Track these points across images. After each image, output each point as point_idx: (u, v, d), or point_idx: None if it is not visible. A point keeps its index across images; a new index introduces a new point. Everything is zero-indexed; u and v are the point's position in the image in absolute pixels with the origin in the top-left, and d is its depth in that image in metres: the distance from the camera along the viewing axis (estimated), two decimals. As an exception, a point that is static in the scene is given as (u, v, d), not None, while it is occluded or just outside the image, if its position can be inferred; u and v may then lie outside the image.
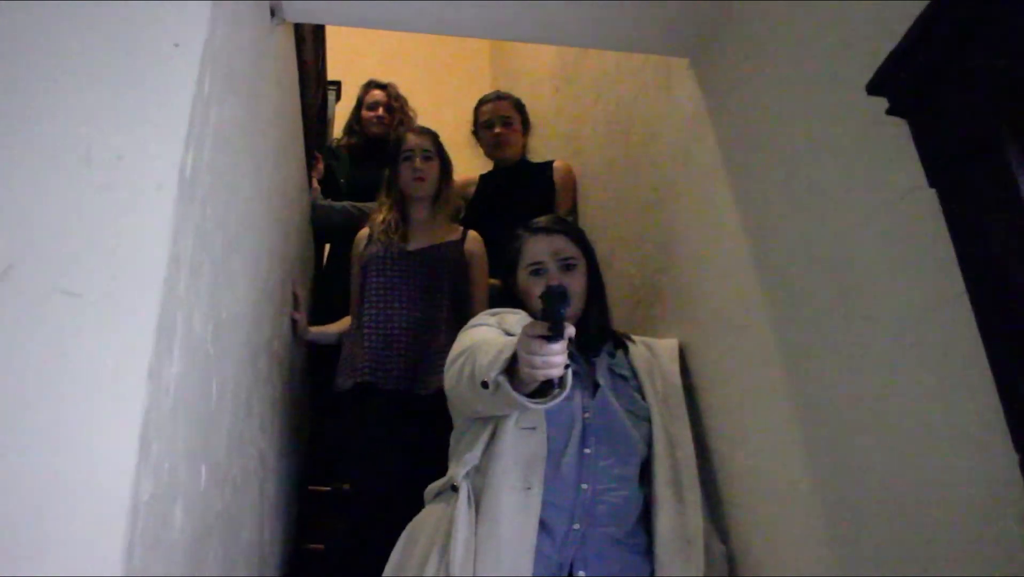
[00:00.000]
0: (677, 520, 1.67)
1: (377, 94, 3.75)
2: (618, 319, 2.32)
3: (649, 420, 1.79)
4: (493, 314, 1.84)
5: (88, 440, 0.98)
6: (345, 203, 3.30)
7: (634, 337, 2.01)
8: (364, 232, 2.73)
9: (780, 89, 1.66)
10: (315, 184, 3.37)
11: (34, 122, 1.14)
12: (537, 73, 4.03)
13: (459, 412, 1.76)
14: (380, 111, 3.70)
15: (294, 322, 2.56)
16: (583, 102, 3.24)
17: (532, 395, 1.43)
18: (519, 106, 3.41)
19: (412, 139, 2.77)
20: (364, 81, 3.86)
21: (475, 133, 3.44)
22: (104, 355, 1.03)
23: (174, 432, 1.17)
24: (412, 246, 2.61)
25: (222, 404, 1.52)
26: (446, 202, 2.76)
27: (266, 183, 2.04)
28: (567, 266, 1.90)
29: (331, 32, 3.45)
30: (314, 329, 2.67)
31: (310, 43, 2.90)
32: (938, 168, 1.16)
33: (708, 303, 1.95)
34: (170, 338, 1.14)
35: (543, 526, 1.59)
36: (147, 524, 1.03)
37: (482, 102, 3.43)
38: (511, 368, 1.41)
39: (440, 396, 2.19)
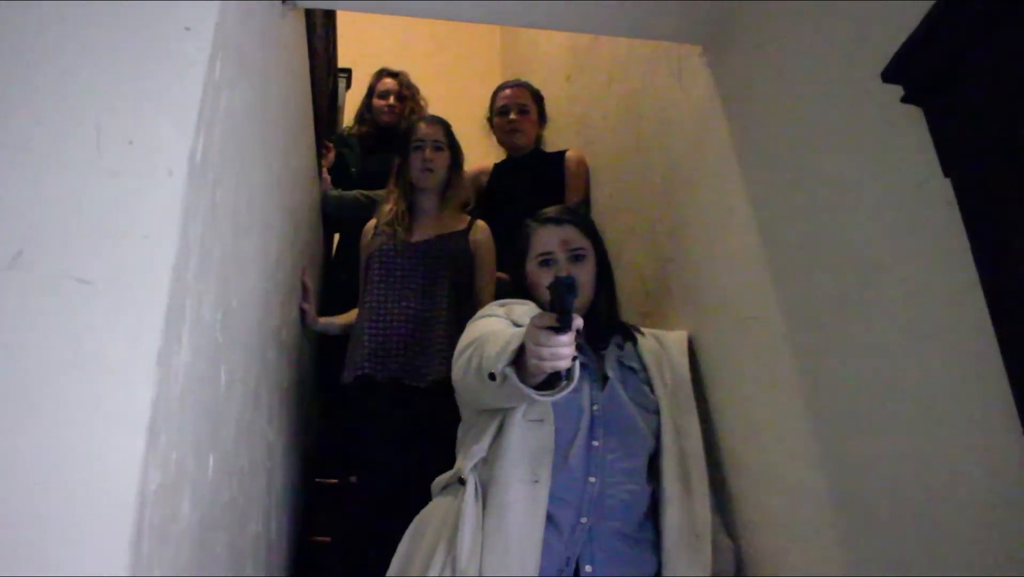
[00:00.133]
0: (685, 514, 1.66)
1: (388, 82, 3.73)
2: (627, 310, 2.31)
3: (658, 413, 1.79)
4: (501, 305, 1.84)
5: (96, 429, 0.98)
6: (355, 192, 3.29)
7: (643, 329, 2.00)
8: (372, 223, 2.72)
9: (793, 78, 1.64)
10: (325, 173, 3.36)
11: (44, 107, 1.13)
12: (549, 61, 4.01)
13: (467, 404, 1.76)
14: (391, 100, 3.68)
15: (303, 312, 2.56)
16: (595, 90, 3.22)
17: (540, 387, 1.42)
18: (537, 96, 3.39)
19: (423, 128, 2.75)
20: (375, 69, 3.84)
21: (490, 120, 3.41)
22: (113, 342, 1.03)
23: (182, 422, 1.17)
24: (417, 237, 2.60)
25: (230, 394, 1.51)
26: (455, 192, 2.74)
27: (276, 170, 2.03)
28: (576, 257, 1.89)
29: (342, 19, 3.44)
30: (323, 319, 2.66)
31: (321, 30, 2.89)
32: (953, 157, 1.14)
33: (718, 295, 1.94)
34: (179, 326, 1.13)
35: (550, 520, 1.58)
36: (154, 514, 1.03)
37: (500, 89, 3.41)
38: (519, 360, 1.40)
39: (439, 387, 2.19)
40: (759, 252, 1.73)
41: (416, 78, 3.84)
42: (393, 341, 2.43)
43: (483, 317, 1.78)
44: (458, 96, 4.46)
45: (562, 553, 1.58)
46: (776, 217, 1.69)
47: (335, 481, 2.92)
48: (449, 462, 1.76)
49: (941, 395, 1.19)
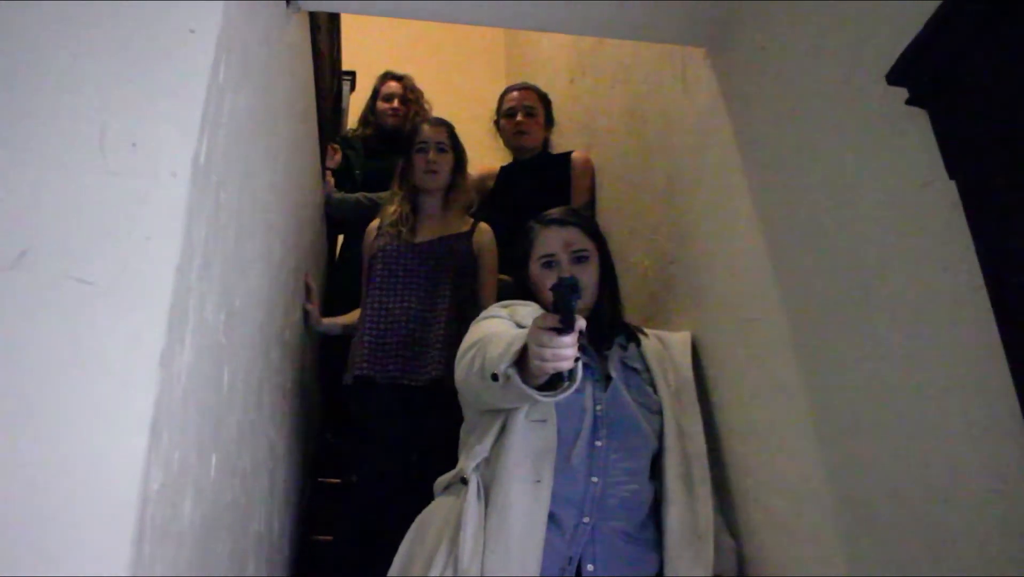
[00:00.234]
0: (687, 514, 1.66)
1: (393, 86, 3.74)
2: (630, 311, 2.31)
3: (661, 413, 1.79)
4: (505, 306, 1.84)
5: (98, 428, 0.98)
6: (358, 194, 3.29)
7: (646, 330, 2.00)
8: (375, 224, 2.72)
9: (797, 80, 1.64)
10: (328, 176, 3.37)
11: (49, 108, 1.14)
12: (553, 64, 4.02)
13: (470, 404, 1.76)
14: (395, 103, 3.69)
15: (306, 313, 2.56)
16: (598, 93, 3.22)
17: (542, 388, 1.42)
18: (544, 99, 3.37)
19: (427, 130, 2.75)
20: (379, 72, 3.84)
21: (496, 122, 3.39)
22: (116, 343, 1.03)
23: (185, 422, 1.17)
24: (420, 239, 2.60)
25: (233, 394, 1.51)
26: (459, 194, 2.74)
27: (280, 172, 2.04)
28: (579, 258, 1.89)
29: (346, 22, 3.45)
30: (326, 320, 2.66)
31: (325, 32, 2.90)
32: (958, 159, 1.14)
33: (721, 296, 1.94)
34: (182, 327, 1.14)
35: (553, 519, 1.58)
36: (156, 514, 1.03)
37: (508, 91, 3.39)
38: (522, 360, 1.40)
39: (437, 387, 2.20)
40: (762, 254, 1.73)
41: (420, 80, 3.85)
42: (393, 341, 2.44)
43: (486, 318, 1.78)
44: (462, 98, 4.47)
45: (564, 553, 1.58)
46: (779, 219, 1.69)
47: (337, 481, 2.92)
48: (450, 462, 1.76)
49: (944, 397, 1.18)
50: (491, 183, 3.32)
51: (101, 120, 1.14)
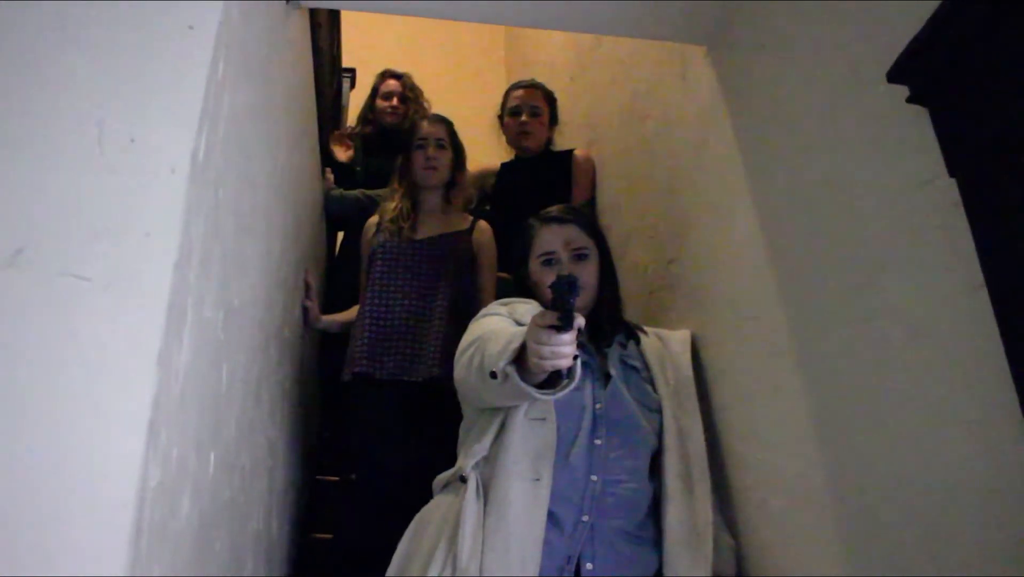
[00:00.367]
0: (686, 513, 1.66)
1: (392, 84, 3.74)
2: (630, 309, 2.31)
3: (660, 412, 1.78)
4: (504, 304, 1.83)
5: (96, 426, 0.98)
6: (357, 192, 3.29)
7: (646, 328, 1.99)
8: (373, 220, 2.72)
9: (797, 78, 1.64)
10: (328, 173, 3.36)
11: (46, 104, 1.13)
12: (553, 61, 4.01)
13: (469, 402, 1.75)
14: (394, 101, 3.69)
15: (305, 310, 2.56)
16: (599, 90, 3.21)
17: (541, 386, 1.42)
18: (550, 97, 3.34)
19: (426, 127, 2.75)
20: (379, 69, 3.84)
21: (500, 119, 3.37)
22: (113, 340, 1.02)
23: (183, 419, 1.17)
24: (420, 235, 2.60)
25: (232, 391, 1.51)
26: (458, 191, 2.74)
27: (280, 169, 2.03)
28: (579, 256, 1.88)
29: (346, 19, 3.44)
30: (325, 317, 2.66)
31: (325, 29, 2.89)
32: (959, 157, 1.14)
33: (721, 294, 1.94)
34: (180, 324, 1.13)
35: (552, 518, 1.58)
36: (154, 511, 1.02)
37: (513, 88, 3.36)
38: (520, 358, 1.40)
39: (435, 384, 2.19)
40: (762, 252, 1.73)
41: (420, 78, 3.84)
42: (392, 337, 2.43)
43: (485, 316, 1.78)
44: (462, 96, 4.46)
45: (563, 551, 1.58)
46: (779, 217, 1.69)
47: (336, 479, 2.92)
48: (449, 459, 1.76)
49: (943, 395, 1.18)
50: (491, 180, 3.32)
51: (99, 116, 1.14)
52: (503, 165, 3.37)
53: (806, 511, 1.52)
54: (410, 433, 2.33)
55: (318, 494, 2.88)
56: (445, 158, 2.71)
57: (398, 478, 2.22)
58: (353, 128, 3.81)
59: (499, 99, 3.40)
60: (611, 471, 1.66)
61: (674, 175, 2.29)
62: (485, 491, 1.61)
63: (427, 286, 2.50)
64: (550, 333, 1.30)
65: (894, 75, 1.24)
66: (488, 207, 3.11)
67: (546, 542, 1.55)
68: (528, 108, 3.26)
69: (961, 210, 1.13)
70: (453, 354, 1.74)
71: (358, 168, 3.54)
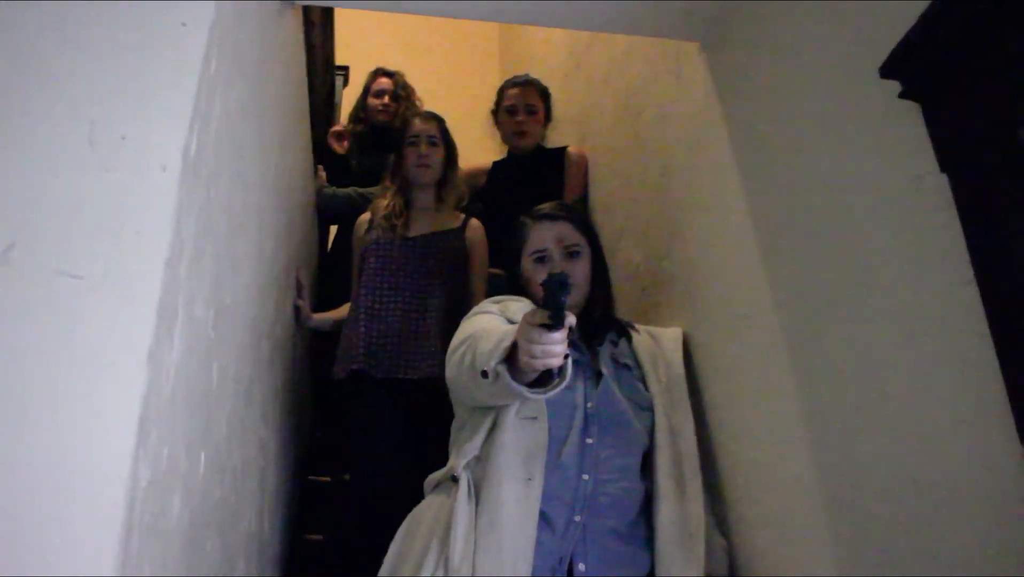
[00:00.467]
0: (678, 512, 1.66)
1: (384, 82, 3.74)
2: (622, 307, 2.31)
3: (652, 410, 1.78)
4: (496, 302, 1.83)
5: (87, 424, 0.97)
6: (349, 189, 3.29)
7: (638, 326, 1.99)
8: (365, 217, 2.71)
9: (791, 75, 1.64)
10: (320, 170, 3.36)
11: (38, 102, 1.13)
12: (547, 59, 4.01)
13: (460, 401, 1.75)
14: (386, 99, 3.69)
15: (297, 309, 2.55)
16: (593, 87, 3.21)
17: (532, 384, 1.42)
18: (545, 94, 3.32)
19: (418, 124, 2.75)
20: (372, 67, 3.84)
21: (495, 115, 3.35)
22: (104, 338, 1.02)
23: (174, 418, 1.16)
24: (413, 232, 2.60)
25: (223, 390, 1.51)
26: (451, 189, 2.74)
27: (272, 168, 2.03)
28: (571, 254, 1.89)
29: (340, 17, 3.43)
30: (316, 316, 2.66)
31: (318, 27, 2.88)
32: (951, 153, 1.14)
33: (714, 292, 1.94)
34: (171, 322, 1.13)
35: (544, 518, 1.58)
36: (145, 511, 1.02)
37: (508, 85, 3.33)
38: (511, 357, 1.40)
39: (431, 383, 2.19)
40: (755, 250, 1.73)
41: (414, 76, 3.84)
42: (387, 335, 2.43)
43: (477, 314, 1.77)
44: (456, 94, 4.46)
45: (555, 552, 1.57)
46: (772, 214, 1.69)
47: (328, 479, 2.91)
48: (442, 459, 1.75)
49: (936, 394, 1.18)
50: (482, 180, 3.31)
51: (90, 113, 1.14)
52: (495, 163, 3.36)
53: (799, 511, 1.52)
54: (405, 432, 2.33)
55: (310, 494, 2.88)
56: (437, 155, 2.70)
57: (391, 478, 2.22)
58: (346, 126, 3.81)
59: (493, 96, 3.39)
60: (603, 470, 1.66)
61: (667, 173, 2.29)
62: (477, 491, 1.61)
63: (422, 284, 2.50)
64: (541, 332, 1.30)
65: (887, 71, 1.24)
66: (480, 205, 3.11)
67: (538, 542, 1.54)
68: (524, 106, 3.24)
69: (953, 205, 1.13)
70: None
71: (353, 161, 3.54)
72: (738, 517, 1.73)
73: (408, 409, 2.35)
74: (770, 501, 1.63)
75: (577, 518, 1.60)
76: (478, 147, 3.47)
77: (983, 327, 1.07)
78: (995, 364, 1.04)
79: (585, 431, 1.68)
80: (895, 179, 1.28)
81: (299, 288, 2.56)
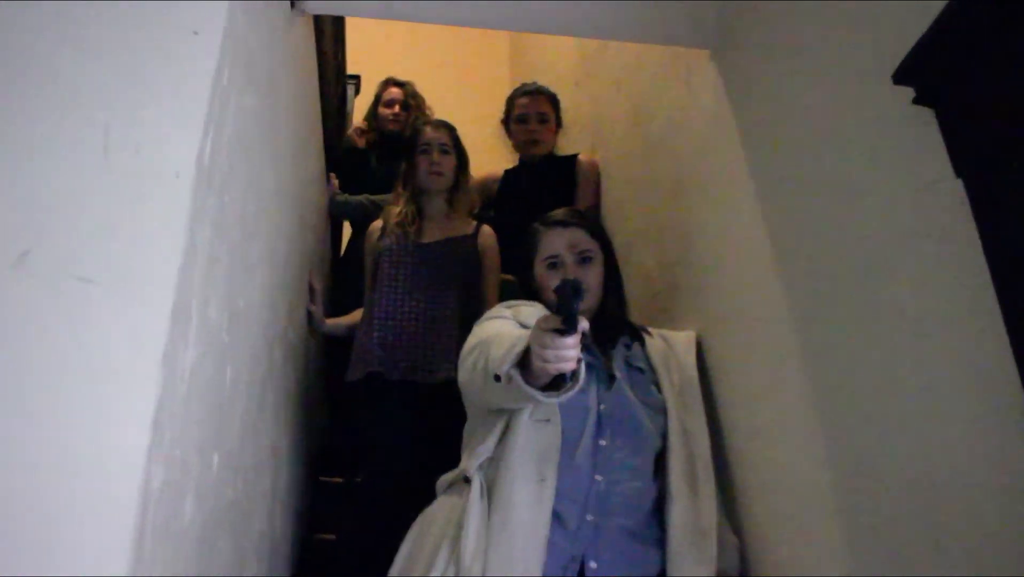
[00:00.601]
0: (691, 513, 1.66)
1: (394, 91, 3.76)
2: (635, 311, 2.31)
3: (665, 413, 1.78)
4: (509, 307, 1.84)
5: (101, 427, 0.98)
6: (362, 197, 3.31)
7: (651, 329, 2.00)
8: (377, 224, 2.73)
9: (802, 81, 1.64)
10: (332, 177, 3.38)
11: (52, 109, 1.14)
12: (557, 67, 4.02)
13: (473, 404, 1.76)
14: (396, 108, 3.71)
15: (310, 314, 2.57)
16: (604, 96, 3.22)
17: (545, 388, 1.42)
18: (555, 102, 3.33)
19: (429, 132, 2.76)
20: (383, 75, 3.86)
21: (505, 124, 3.36)
22: (118, 342, 1.03)
23: (187, 420, 1.17)
24: (426, 239, 2.61)
25: (236, 393, 1.52)
26: (462, 196, 2.75)
27: (284, 175, 2.04)
28: (584, 259, 1.89)
29: (351, 25, 3.45)
30: (329, 321, 2.67)
31: (330, 36, 2.90)
32: (965, 158, 1.14)
33: (726, 296, 1.94)
34: (185, 326, 1.14)
35: (556, 517, 1.58)
36: (158, 512, 1.03)
37: (517, 94, 3.34)
38: (524, 361, 1.40)
39: (448, 386, 2.19)
40: (767, 254, 1.73)
41: (424, 84, 3.86)
42: (403, 339, 2.44)
43: (490, 319, 1.78)
44: (466, 102, 4.47)
45: (567, 551, 1.57)
46: (784, 219, 1.69)
47: (340, 480, 2.92)
48: (454, 462, 1.76)
49: (949, 397, 1.18)
50: (494, 188, 3.32)
51: (104, 121, 1.15)
52: (507, 171, 3.37)
53: (811, 510, 1.52)
54: (418, 434, 2.34)
55: (321, 496, 2.88)
56: (449, 163, 2.71)
57: (403, 479, 2.22)
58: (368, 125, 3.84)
59: (503, 104, 3.41)
60: (615, 471, 1.66)
61: (679, 178, 2.29)
62: (489, 492, 1.61)
63: (436, 289, 2.51)
64: (554, 337, 1.31)
65: (900, 77, 1.24)
66: (492, 212, 3.12)
67: (550, 542, 1.54)
68: (535, 115, 3.25)
69: (968, 211, 1.13)
70: None
71: (374, 157, 3.56)
72: (750, 517, 1.73)
73: (421, 412, 2.36)
74: (783, 501, 1.62)
75: (589, 518, 1.60)
76: (489, 155, 3.48)
77: (998, 329, 1.06)
78: (1010, 365, 1.04)
79: (598, 433, 1.69)
80: (908, 184, 1.28)
81: (312, 293, 2.58)
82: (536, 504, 1.57)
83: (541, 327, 1.33)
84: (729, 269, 1.93)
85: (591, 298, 1.83)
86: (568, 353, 1.32)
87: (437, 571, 1.52)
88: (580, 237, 1.91)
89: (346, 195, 3.34)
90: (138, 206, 1.11)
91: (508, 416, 1.66)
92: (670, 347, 1.94)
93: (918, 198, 1.25)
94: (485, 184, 3.25)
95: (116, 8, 1.22)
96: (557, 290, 1.31)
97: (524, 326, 1.68)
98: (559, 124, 3.33)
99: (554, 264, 1.89)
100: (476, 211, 2.83)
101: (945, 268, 1.19)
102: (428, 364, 2.40)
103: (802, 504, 1.55)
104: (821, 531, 1.48)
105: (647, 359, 1.88)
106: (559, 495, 1.59)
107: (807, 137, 1.61)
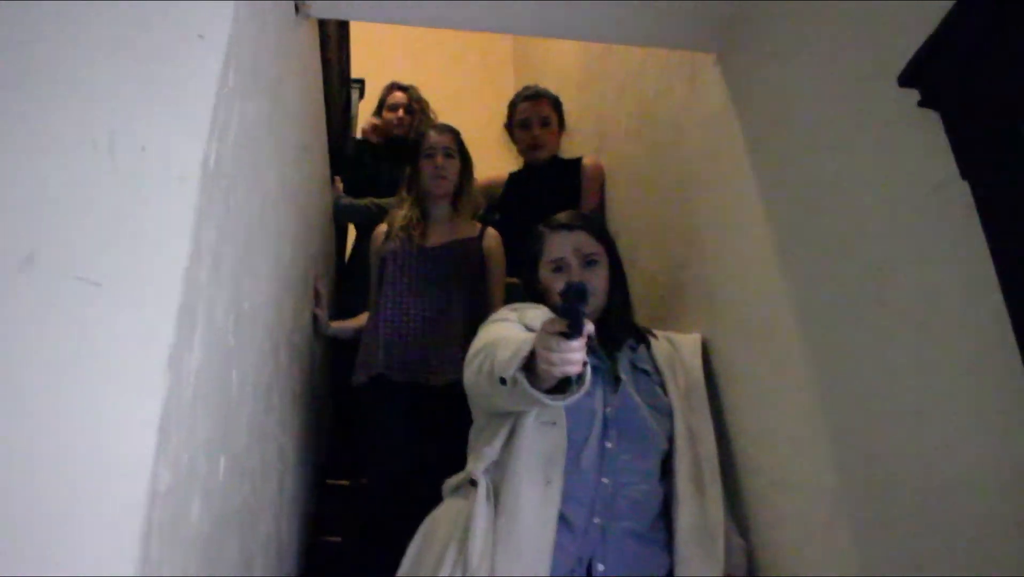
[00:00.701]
0: (698, 515, 1.66)
1: (398, 96, 3.77)
2: (641, 314, 2.31)
3: (671, 415, 1.78)
4: (514, 309, 1.84)
5: (107, 430, 0.98)
6: (366, 200, 3.31)
7: (656, 332, 2.00)
8: (382, 228, 2.73)
9: (806, 84, 1.64)
10: (337, 180, 3.38)
11: (59, 111, 1.14)
12: (562, 70, 4.02)
13: (479, 407, 1.76)
14: (400, 112, 3.72)
15: (315, 317, 2.57)
16: (608, 99, 3.22)
17: (551, 391, 1.42)
18: (557, 105, 3.33)
19: (434, 136, 2.76)
20: (387, 79, 3.87)
21: (508, 129, 3.36)
22: (124, 345, 1.03)
23: (193, 423, 1.17)
24: (431, 242, 2.61)
25: (242, 396, 1.52)
26: (467, 200, 2.75)
27: (289, 178, 2.04)
28: (589, 262, 1.89)
29: (355, 30, 3.46)
30: (335, 324, 2.68)
31: (334, 40, 2.91)
32: (972, 160, 1.14)
33: (732, 298, 1.94)
34: (191, 329, 1.14)
35: (563, 520, 1.58)
36: (164, 515, 1.03)
37: (519, 99, 3.34)
38: (530, 364, 1.40)
39: (453, 389, 2.19)
40: (772, 257, 1.73)
41: (429, 88, 3.87)
42: (409, 341, 2.44)
43: (495, 322, 1.78)
44: (471, 105, 4.48)
45: (574, 553, 1.57)
46: (790, 222, 1.69)
47: (346, 483, 2.92)
48: (460, 465, 1.76)
49: (956, 398, 1.18)
50: (499, 191, 3.32)
51: (110, 124, 1.15)
52: (511, 175, 3.37)
53: (817, 512, 1.52)
54: (424, 437, 2.34)
55: (328, 498, 2.88)
56: (454, 167, 2.72)
57: (410, 481, 2.22)
58: (361, 140, 3.84)
59: (507, 108, 3.41)
60: (622, 473, 1.66)
61: (684, 181, 2.29)
62: (496, 495, 1.61)
63: (440, 292, 2.51)
64: (560, 340, 1.31)
65: (905, 79, 1.24)
66: (497, 216, 3.12)
67: (557, 543, 1.54)
68: (538, 119, 3.25)
69: (974, 213, 1.13)
70: None
71: (375, 159, 3.57)
72: (758, 518, 1.73)
73: (427, 414, 2.36)
74: (790, 502, 1.62)
75: (596, 520, 1.60)
76: (494, 158, 3.48)
77: (1004, 332, 1.06)
78: (1017, 367, 1.04)
79: (604, 435, 1.69)
80: (914, 186, 1.28)
81: (317, 297, 2.58)
82: (542, 506, 1.57)
83: (546, 330, 1.33)
84: (735, 271, 1.93)
85: (596, 301, 1.83)
86: (574, 356, 1.32)
87: (444, 572, 1.52)
88: (585, 240, 1.91)
89: (351, 198, 3.35)
90: (144, 209, 1.11)
91: (514, 419, 1.66)
92: (676, 350, 1.94)
93: (924, 200, 1.25)
94: (490, 187, 3.25)
95: (122, 11, 1.22)
96: (562, 293, 1.31)
97: (529, 329, 1.68)
98: (562, 126, 3.33)
99: (559, 267, 1.89)
100: (480, 214, 2.83)
101: (952, 271, 1.19)
102: (433, 367, 2.40)
103: (809, 505, 1.55)
104: (828, 532, 1.47)
105: (653, 361, 1.88)
106: (565, 497, 1.59)
107: (812, 140, 1.61)
